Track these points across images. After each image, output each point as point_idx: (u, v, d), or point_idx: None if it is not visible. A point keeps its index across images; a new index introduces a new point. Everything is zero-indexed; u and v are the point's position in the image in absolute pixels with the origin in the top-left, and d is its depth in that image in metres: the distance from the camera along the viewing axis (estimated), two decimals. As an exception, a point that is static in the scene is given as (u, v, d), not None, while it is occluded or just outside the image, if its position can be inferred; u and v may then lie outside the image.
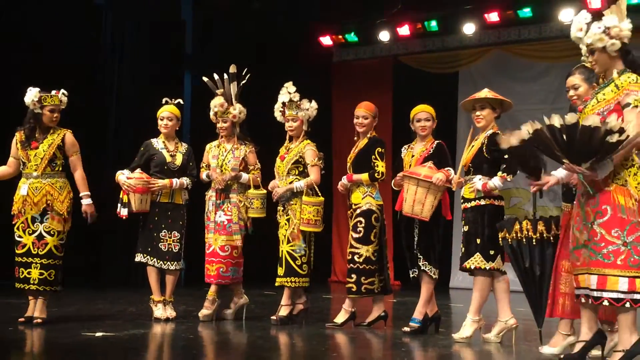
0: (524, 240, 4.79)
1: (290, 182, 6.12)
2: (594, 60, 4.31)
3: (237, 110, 6.43)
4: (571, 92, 4.71)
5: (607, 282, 4.00)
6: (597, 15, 4.29)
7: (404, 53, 11.77)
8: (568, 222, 4.61)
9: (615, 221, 4.04)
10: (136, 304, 7.11)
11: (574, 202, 4.42)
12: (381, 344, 5.51)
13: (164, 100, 6.47)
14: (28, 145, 5.79)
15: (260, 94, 6.54)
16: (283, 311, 6.14)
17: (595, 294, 4.06)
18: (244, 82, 6.51)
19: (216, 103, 6.42)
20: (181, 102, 6.53)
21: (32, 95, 5.79)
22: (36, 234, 5.72)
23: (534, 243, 4.75)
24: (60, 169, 5.85)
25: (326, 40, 12.06)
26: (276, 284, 6.17)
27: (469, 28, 10.86)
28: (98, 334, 5.29)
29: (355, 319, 6.09)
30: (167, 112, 6.40)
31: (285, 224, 6.14)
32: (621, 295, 3.98)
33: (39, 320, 5.68)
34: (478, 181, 5.25)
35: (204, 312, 6.24)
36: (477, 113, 5.43)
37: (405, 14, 11.08)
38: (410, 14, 11.10)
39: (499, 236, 5.02)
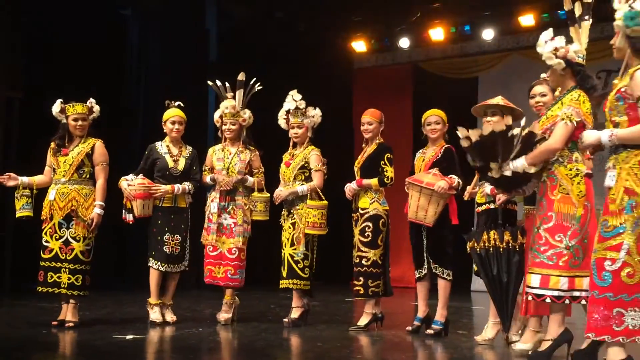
0: (491, 249, 4.93)
1: (299, 187, 6.21)
2: (548, 76, 4.67)
3: (247, 114, 6.51)
4: (537, 99, 5.08)
5: (550, 281, 4.33)
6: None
7: (423, 59, 11.81)
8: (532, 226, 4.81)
9: (558, 227, 4.36)
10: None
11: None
12: (405, 346, 5.53)
13: (166, 103, 6.50)
14: (59, 152, 5.90)
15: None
16: (294, 313, 6.21)
17: (537, 291, 4.37)
18: (254, 91, 6.56)
19: (228, 105, 6.47)
20: (181, 104, 6.51)
21: (55, 106, 5.93)
22: (63, 239, 5.79)
23: (501, 252, 4.91)
24: (88, 176, 5.92)
25: (347, 48, 12.10)
26: (281, 286, 6.24)
27: (487, 34, 10.86)
28: (129, 337, 5.36)
29: (377, 321, 6.13)
30: (178, 116, 6.38)
31: (290, 228, 6.21)
32: (562, 293, 4.33)
33: (71, 324, 5.75)
34: (488, 186, 5.28)
35: (224, 315, 6.29)
36: (488, 119, 5.47)
37: (424, 22, 11.11)
38: (430, 21, 11.12)
39: (467, 246, 5.12)
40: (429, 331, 5.77)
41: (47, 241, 5.82)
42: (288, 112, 6.35)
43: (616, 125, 3.99)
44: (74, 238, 5.80)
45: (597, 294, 3.89)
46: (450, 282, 5.81)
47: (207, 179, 6.47)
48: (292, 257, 6.15)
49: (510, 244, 4.88)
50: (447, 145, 5.89)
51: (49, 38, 9.11)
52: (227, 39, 11.20)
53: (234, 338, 5.72)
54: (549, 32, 4.54)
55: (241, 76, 6.56)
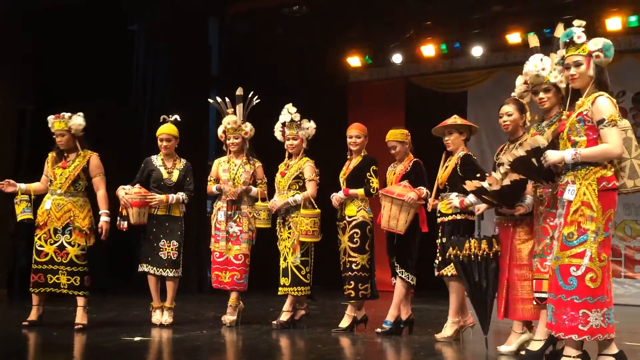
0: (472, 257, 4.99)
1: (291, 197, 6.24)
2: (547, 97, 4.65)
3: (249, 127, 6.53)
4: (505, 118, 5.10)
5: None
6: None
7: (415, 74, 11.84)
8: (507, 236, 4.90)
9: None
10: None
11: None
12: (403, 348, 5.52)
13: (161, 119, 6.50)
14: (58, 164, 5.93)
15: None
16: (284, 317, 6.25)
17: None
18: (252, 105, 6.59)
19: (230, 120, 6.50)
20: (178, 118, 6.51)
21: (48, 122, 5.95)
22: (57, 244, 5.81)
23: (479, 259, 4.96)
24: (83, 189, 5.97)
25: (343, 63, 12.14)
26: (279, 293, 6.28)
27: (477, 51, 10.90)
28: (137, 339, 5.36)
29: (358, 323, 6.19)
30: (165, 133, 6.37)
31: (289, 237, 6.24)
32: None
33: (80, 326, 5.73)
34: (455, 198, 5.41)
35: (229, 317, 6.31)
36: (446, 138, 5.66)
37: (417, 38, 11.14)
38: (422, 38, 11.16)
39: (450, 253, 5.16)
40: (378, 330, 5.89)
41: (41, 245, 5.84)
42: (284, 124, 6.38)
43: (574, 144, 4.13)
44: (69, 243, 5.82)
45: (564, 297, 4.03)
46: (410, 286, 5.93)
47: (213, 188, 6.49)
48: (295, 266, 6.17)
49: (485, 252, 4.95)
50: (415, 159, 6.00)
51: (60, 52, 9.09)
52: (228, 54, 11.21)
53: (237, 340, 5.71)
54: (541, 55, 4.64)
55: (239, 91, 6.60)
